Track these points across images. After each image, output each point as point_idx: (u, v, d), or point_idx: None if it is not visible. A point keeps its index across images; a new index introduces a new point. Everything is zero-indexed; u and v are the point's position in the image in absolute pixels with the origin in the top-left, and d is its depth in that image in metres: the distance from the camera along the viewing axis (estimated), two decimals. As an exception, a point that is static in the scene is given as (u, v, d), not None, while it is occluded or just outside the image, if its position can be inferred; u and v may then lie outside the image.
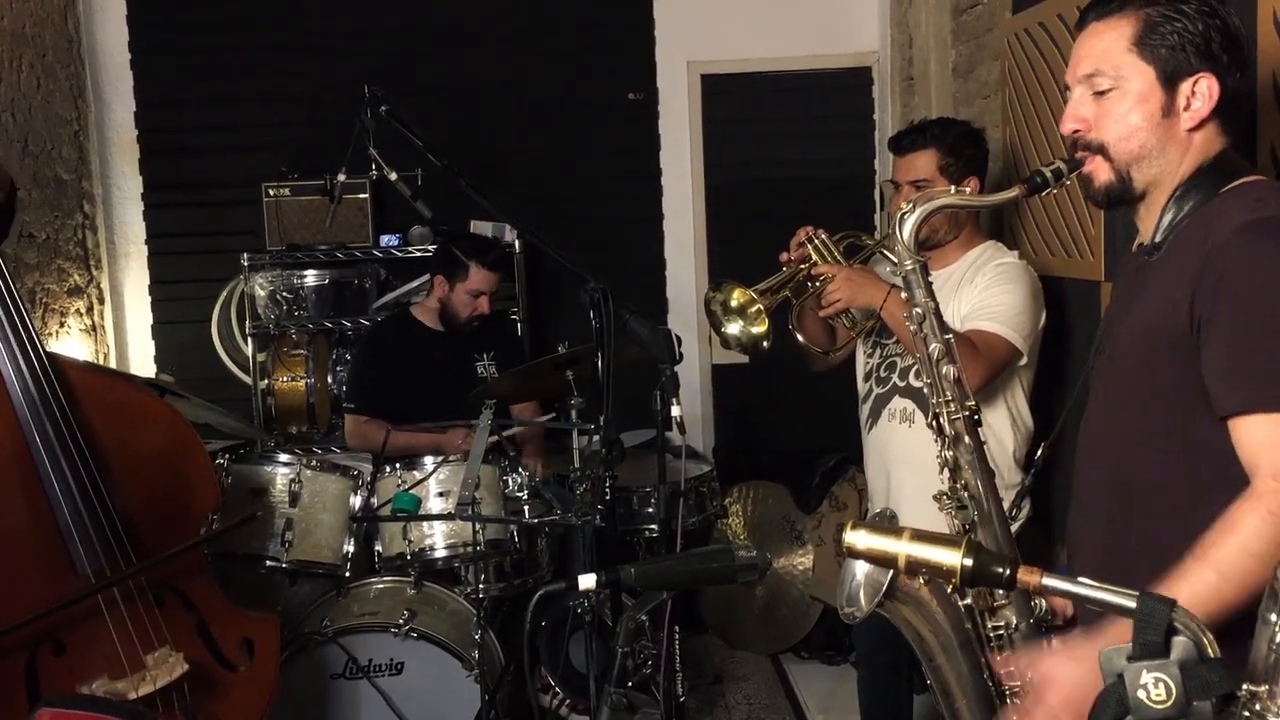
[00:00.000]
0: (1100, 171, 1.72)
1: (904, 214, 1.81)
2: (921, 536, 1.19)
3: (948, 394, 1.76)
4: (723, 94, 4.89)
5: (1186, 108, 1.67)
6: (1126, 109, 1.68)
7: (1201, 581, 1.50)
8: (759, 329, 2.82)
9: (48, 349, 2.40)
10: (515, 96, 4.79)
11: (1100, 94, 1.70)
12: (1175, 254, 1.67)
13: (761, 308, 2.80)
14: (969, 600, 1.67)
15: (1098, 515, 1.77)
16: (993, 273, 2.79)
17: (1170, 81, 1.67)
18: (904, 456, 2.85)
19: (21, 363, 2.32)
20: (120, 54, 4.70)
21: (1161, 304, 1.65)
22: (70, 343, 4.39)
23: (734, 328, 2.84)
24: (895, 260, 1.84)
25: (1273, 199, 1.62)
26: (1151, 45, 1.66)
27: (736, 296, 2.83)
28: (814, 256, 2.84)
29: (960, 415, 1.76)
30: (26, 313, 2.37)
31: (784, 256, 2.90)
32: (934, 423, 1.78)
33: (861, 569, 1.63)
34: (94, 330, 4.61)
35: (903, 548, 1.19)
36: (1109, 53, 1.69)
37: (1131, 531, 1.71)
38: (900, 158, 2.92)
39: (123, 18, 4.69)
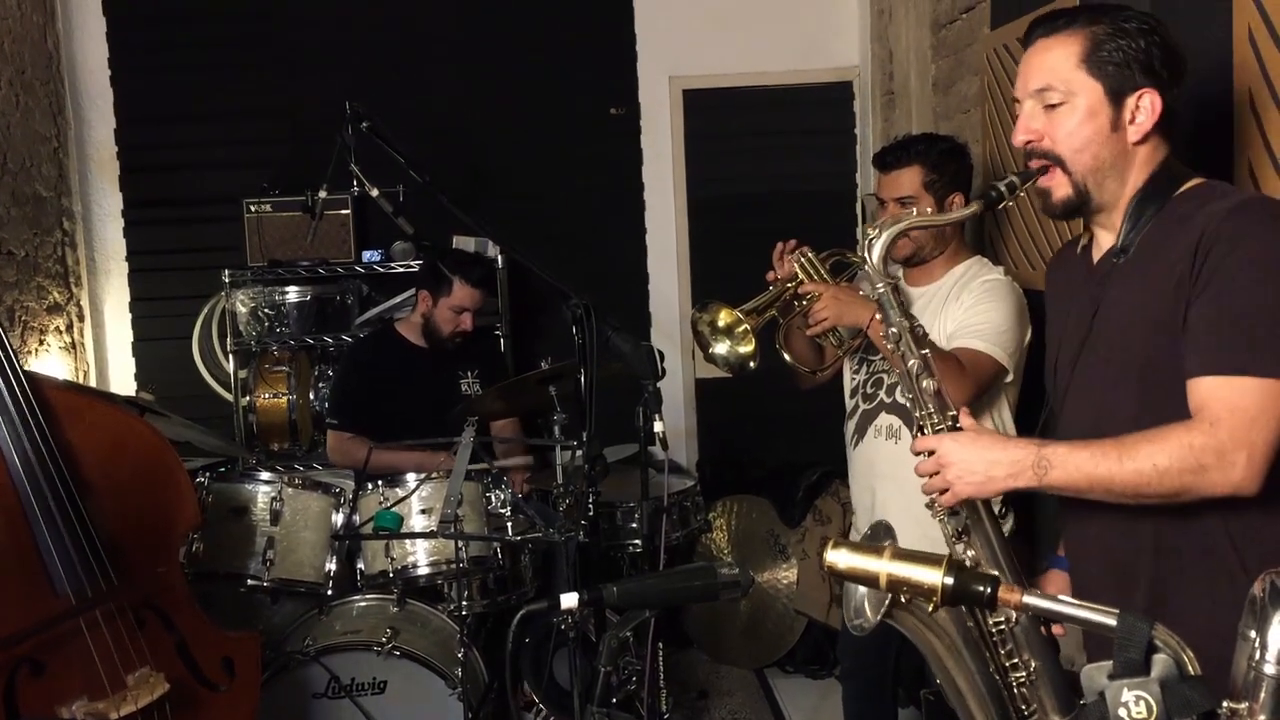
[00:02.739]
0: (1059, 186, 1.81)
1: (871, 239, 1.88)
2: (902, 555, 1.19)
3: (929, 406, 1.83)
4: (704, 109, 4.90)
5: (1132, 121, 1.76)
6: (1077, 122, 1.77)
7: (1104, 457, 1.65)
8: (746, 349, 2.82)
9: (27, 367, 2.39)
10: (497, 112, 4.79)
11: (1050, 107, 1.78)
12: (1149, 250, 1.76)
13: (748, 327, 2.80)
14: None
15: (1098, 511, 1.78)
16: (978, 290, 2.79)
17: (1117, 97, 1.76)
18: (890, 472, 2.85)
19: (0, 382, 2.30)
20: (100, 70, 4.69)
21: (1149, 294, 1.73)
22: (50, 360, 4.36)
23: (721, 347, 2.84)
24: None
25: (1237, 191, 1.77)
26: (1099, 62, 1.75)
27: (723, 317, 2.83)
28: (800, 275, 2.85)
29: (943, 426, 1.82)
30: (5, 331, 2.36)
31: (770, 275, 2.90)
32: (918, 433, 1.85)
33: None
34: (74, 348, 4.58)
35: (884, 566, 1.19)
36: (1058, 68, 1.77)
37: (1135, 525, 1.75)
38: (885, 175, 2.91)
39: (102, 34, 4.68)
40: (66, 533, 2.33)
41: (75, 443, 2.40)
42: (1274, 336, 1.60)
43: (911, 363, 1.84)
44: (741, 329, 2.80)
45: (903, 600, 1.59)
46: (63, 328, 4.51)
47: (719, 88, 4.89)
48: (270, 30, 4.75)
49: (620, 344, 2.80)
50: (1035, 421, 3.04)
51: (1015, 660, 1.72)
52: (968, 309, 2.77)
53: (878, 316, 1.90)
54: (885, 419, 2.87)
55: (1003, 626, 1.73)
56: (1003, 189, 1.82)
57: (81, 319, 4.65)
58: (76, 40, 4.66)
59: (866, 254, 1.88)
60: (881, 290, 1.86)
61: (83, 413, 2.48)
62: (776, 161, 4.94)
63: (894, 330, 1.86)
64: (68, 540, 2.33)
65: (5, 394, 2.30)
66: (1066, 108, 1.77)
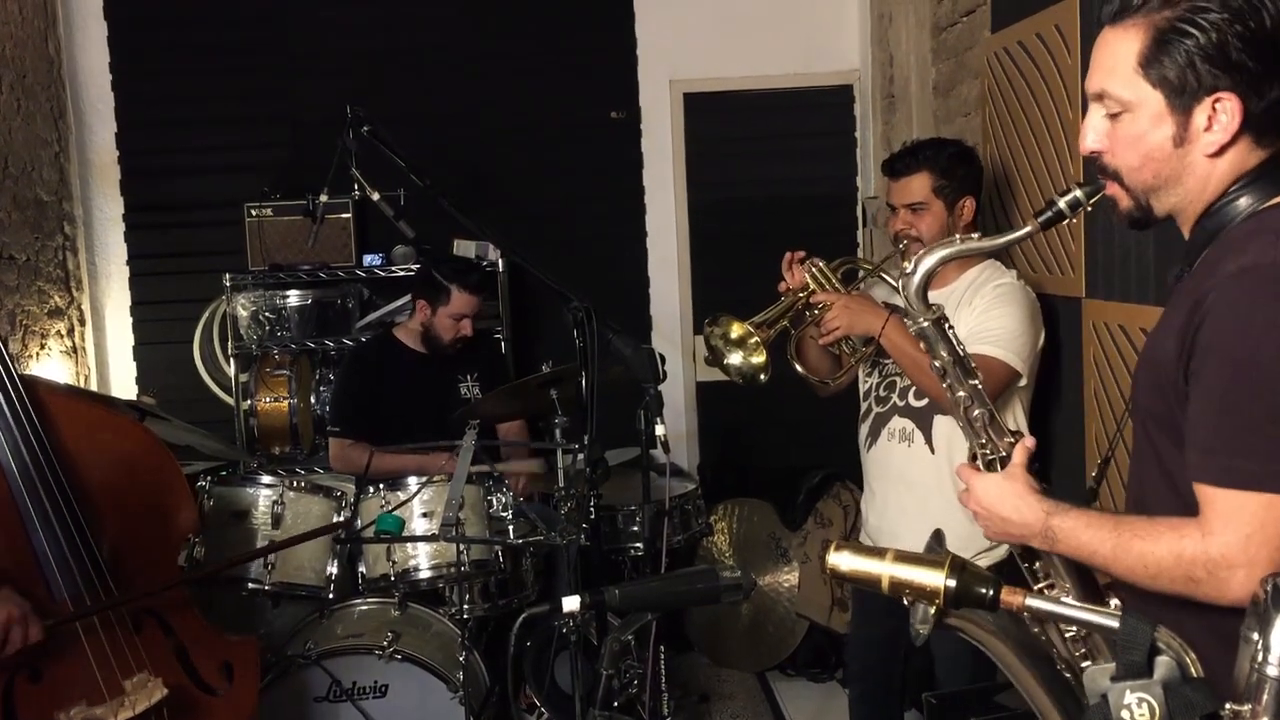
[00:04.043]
0: (1121, 199, 1.62)
1: (909, 272, 1.73)
2: (904, 557, 1.19)
3: (983, 436, 1.73)
4: (705, 112, 4.90)
5: (1208, 128, 1.51)
6: (1136, 136, 1.55)
7: (1101, 544, 1.53)
8: (758, 359, 2.82)
9: (25, 372, 2.39)
10: (498, 116, 4.80)
11: (1112, 116, 1.58)
12: (1190, 284, 1.56)
13: (760, 340, 2.80)
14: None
15: None
16: (991, 294, 2.78)
17: (1183, 106, 1.51)
18: (902, 475, 2.86)
19: (-1, 386, 2.30)
20: (101, 75, 4.69)
21: (1162, 340, 1.58)
22: (51, 364, 4.36)
23: (735, 359, 2.84)
24: (894, 284, 1.81)
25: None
26: (1159, 66, 1.51)
27: (735, 329, 2.83)
28: (812, 285, 2.84)
29: (995, 457, 1.72)
30: (4, 336, 2.36)
31: (782, 285, 2.88)
32: (972, 459, 1.77)
33: None
34: (75, 352, 4.58)
35: (886, 569, 1.18)
36: (1116, 71, 1.55)
37: None
38: (895, 181, 2.91)
39: (104, 39, 4.68)
40: (63, 538, 2.33)
41: (72, 448, 2.40)
42: (1273, 443, 1.42)
43: (961, 394, 1.74)
44: (753, 341, 2.81)
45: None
46: (64, 332, 4.51)
47: (720, 91, 4.89)
48: (271, 34, 4.75)
49: (621, 347, 2.80)
50: (1044, 422, 3.07)
51: (1083, 650, 1.63)
52: (980, 314, 2.76)
53: (906, 323, 1.79)
54: (898, 422, 2.88)
55: (1072, 631, 1.64)
56: (1064, 207, 1.63)
57: (83, 323, 4.65)
58: (78, 45, 4.66)
59: (905, 286, 1.75)
60: (925, 324, 1.74)
61: (79, 417, 2.48)
62: (777, 165, 4.94)
63: (939, 365, 1.75)
64: (64, 545, 2.33)
65: (3, 400, 2.30)
66: (1127, 118, 1.55)
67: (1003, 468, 1.70)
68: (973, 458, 1.76)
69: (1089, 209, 1.65)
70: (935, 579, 1.16)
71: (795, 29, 4.86)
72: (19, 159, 4.23)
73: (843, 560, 1.21)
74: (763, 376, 2.83)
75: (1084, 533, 1.56)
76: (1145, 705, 1.05)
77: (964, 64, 3.78)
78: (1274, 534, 1.41)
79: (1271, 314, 1.42)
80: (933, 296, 2.81)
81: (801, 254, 2.89)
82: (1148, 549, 1.49)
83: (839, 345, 2.91)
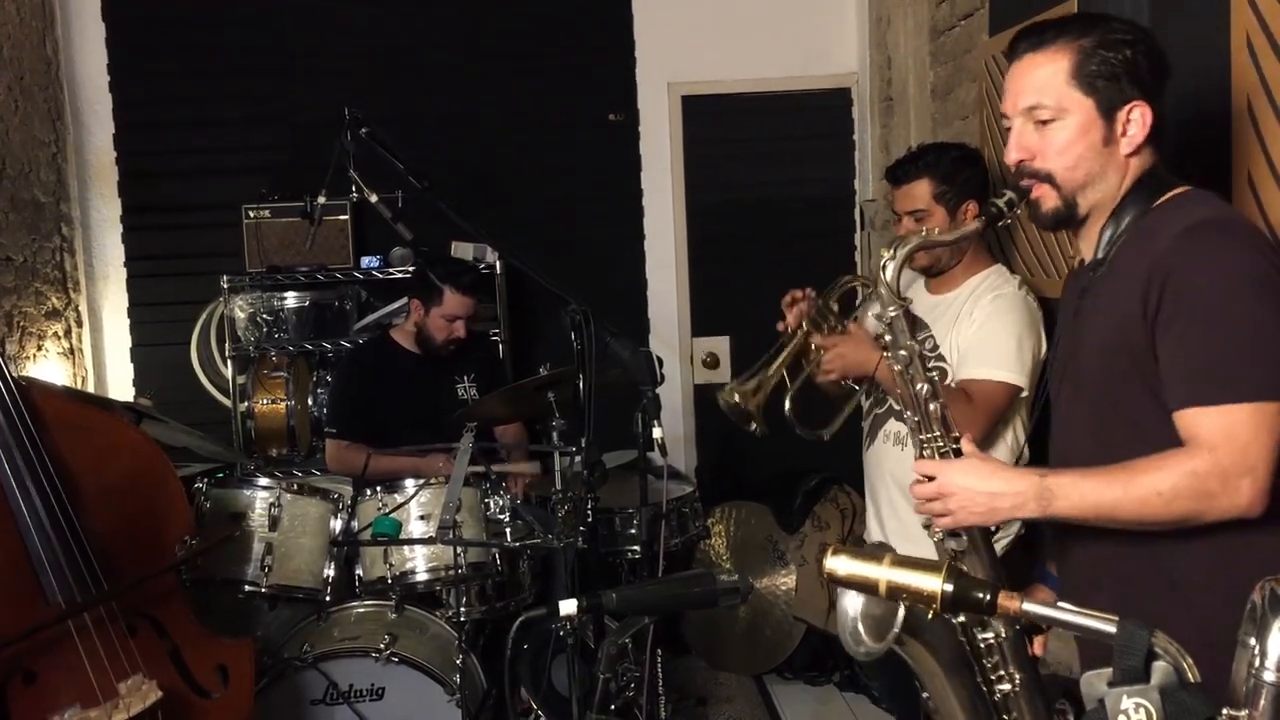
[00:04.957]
0: (1047, 198, 1.81)
1: (885, 260, 1.87)
2: (902, 562, 1.19)
3: (935, 429, 1.83)
4: (703, 115, 4.91)
5: (1124, 134, 1.76)
6: (1070, 140, 1.77)
7: (1108, 486, 1.66)
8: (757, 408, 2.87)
9: (20, 374, 2.39)
10: (496, 118, 4.80)
11: (1042, 123, 1.78)
12: (1120, 267, 1.77)
13: (760, 400, 2.84)
14: (962, 618, 1.74)
15: (1081, 530, 1.80)
16: (989, 306, 2.78)
17: (1109, 112, 1.76)
18: (896, 478, 2.88)
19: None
20: (99, 77, 4.69)
21: (1115, 317, 1.74)
22: (48, 366, 4.36)
23: (755, 422, 2.88)
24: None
25: (1205, 204, 1.75)
26: (1089, 78, 1.75)
27: (736, 398, 2.86)
28: (808, 327, 2.85)
29: (948, 448, 1.83)
30: (1, 338, 2.35)
31: (781, 325, 2.90)
32: (920, 454, 1.85)
33: (854, 605, 1.63)
34: (72, 353, 4.57)
35: (883, 573, 1.18)
36: (1048, 85, 1.77)
37: (1113, 543, 1.75)
38: (897, 189, 2.92)
39: (101, 40, 4.67)
40: (57, 540, 2.32)
41: (65, 449, 2.40)
42: (1251, 359, 1.61)
43: (920, 386, 1.84)
44: (757, 400, 2.84)
45: (908, 626, 1.60)
46: (61, 333, 4.51)
47: (718, 94, 4.89)
48: (269, 36, 4.75)
49: (619, 350, 2.81)
50: (1044, 429, 3.07)
51: (1001, 673, 1.74)
52: (978, 328, 2.76)
53: (885, 352, 1.91)
54: (894, 425, 2.90)
55: (991, 642, 1.75)
56: (1002, 205, 1.82)
57: (80, 324, 4.65)
58: (75, 46, 4.66)
59: (881, 274, 1.88)
60: (894, 314, 1.87)
61: (72, 419, 2.48)
62: (775, 168, 4.95)
63: (903, 353, 1.86)
64: (58, 548, 2.32)
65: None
66: (1058, 125, 1.77)
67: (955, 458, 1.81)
68: (919, 452, 1.85)
69: (1020, 209, 1.84)
70: (932, 583, 1.16)
71: (793, 32, 4.87)
72: (16, 160, 4.22)
73: (840, 564, 1.21)
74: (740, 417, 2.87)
75: (1085, 482, 1.67)
76: (1142, 710, 1.05)
77: (962, 67, 3.78)
78: (1267, 440, 1.60)
79: (1226, 253, 1.65)
80: (933, 301, 2.84)
81: (799, 294, 2.90)
82: (1158, 478, 1.62)
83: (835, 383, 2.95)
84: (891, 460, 2.89)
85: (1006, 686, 1.73)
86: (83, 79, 4.68)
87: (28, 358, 4.22)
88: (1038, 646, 1.91)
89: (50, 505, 2.32)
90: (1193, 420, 1.63)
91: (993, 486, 1.72)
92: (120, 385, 4.77)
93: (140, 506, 2.56)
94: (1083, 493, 1.66)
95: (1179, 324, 1.65)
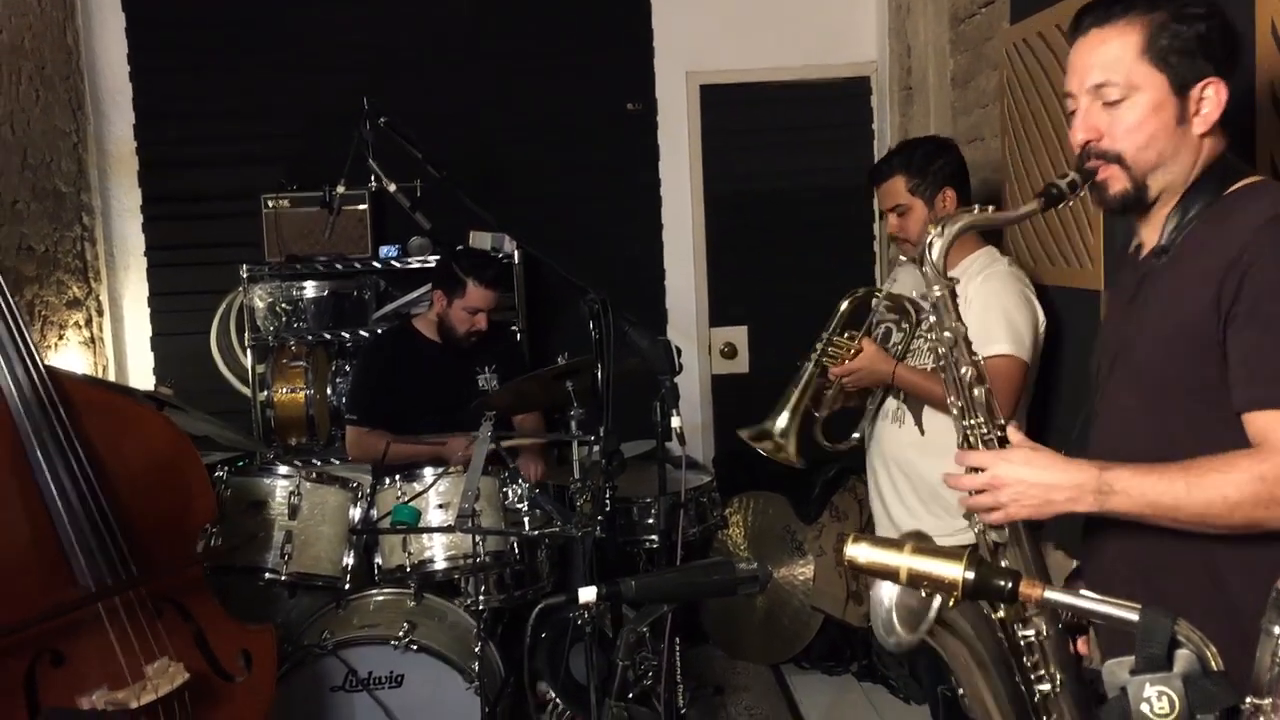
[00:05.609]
0: (1115, 180, 1.73)
1: (932, 238, 1.78)
2: (923, 550, 1.19)
3: (979, 415, 1.74)
4: (721, 104, 4.89)
5: (1197, 113, 1.68)
6: (1141, 118, 1.68)
7: (1170, 485, 1.57)
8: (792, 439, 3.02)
9: (46, 362, 2.40)
10: (514, 107, 4.80)
11: (1111, 104, 1.70)
12: (1189, 255, 1.68)
13: (794, 434, 2.99)
14: (1001, 613, 1.68)
15: (1119, 525, 1.74)
16: (980, 288, 2.83)
17: (1182, 89, 1.67)
18: (894, 454, 3.00)
19: (21, 377, 2.32)
20: (119, 66, 4.70)
21: (1182, 307, 1.66)
22: (69, 355, 4.38)
23: (788, 454, 3.02)
24: (927, 278, 1.81)
25: None
26: (1161, 53, 1.66)
27: (771, 448, 3.02)
28: (820, 365, 2.95)
29: (992, 436, 1.74)
30: (25, 326, 2.37)
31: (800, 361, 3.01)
32: (964, 444, 1.77)
33: (889, 594, 1.58)
34: (93, 342, 4.60)
35: (904, 561, 1.18)
36: (1118, 62, 1.69)
37: (1157, 540, 1.68)
38: (877, 188, 3.05)
39: (122, 30, 4.69)
40: (87, 523, 2.35)
41: (94, 436, 2.43)
42: None
43: (964, 370, 1.75)
44: (793, 442, 3.00)
45: (942, 619, 1.56)
46: (82, 322, 4.53)
47: (736, 83, 4.88)
48: (288, 27, 4.75)
49: (637, 339, 2.81)
50: (1044, 414, 3.06)
51: (1042, 672, 1.68)
52: (976, 315, 2.76)
53: (925, 326, 1.87)
54: (891, 402, 3.00)
55: (1031, 640, 1.69)
56: (1064, 187, 1.73)
57: (101, 314, 4.67)
58: (96, 36, 4.67)
59: (928, 253, 1.78)
60: (939, 294, 1.78)
61: (101, 406, 2.51)
62: (793, 157, 4.93)
63: (948, 334, 1.77)
64: (88, 531, 2.35)
65: (27, 388, 2.32)
66: (1128, 103, 1.68)
67: (1001, 447, 1.72)
68: (965, 442, 1.76)
69: (1083, 192, 1.74)
70: (954, 571, 1.16)
71: (812, 20, 4.85)
72: (38, 150, 4.24)
73: (860, 552, 1.21)
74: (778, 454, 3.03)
75: (1146, 479, 1.59)
76: (1165, 698, 1.05)
77: (982, 55, 3.76)
78: None
79: None
80: (921, 282, 2.84)
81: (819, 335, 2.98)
82: (1224, 480, 1.54)
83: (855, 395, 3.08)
84: (890, 436, 3.01)
85: (1046, 687, 1.67)
86: (103, 69, 4.69)
87: (49, 347, 4.25)
88: (1081, 646, 1.80)
89: (80, 488, 2.35)
90: (1266, 423, 1.56)
91: (1049, 478, 1.63)
92: (141, 374, 4.79)
93: (166, 492, 2.59)
94: (1143, 490, 1.59)
95: (1256, 322, 1.57)
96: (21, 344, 2.34)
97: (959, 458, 1.75)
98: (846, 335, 2.94)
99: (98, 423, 2.45)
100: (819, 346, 2.95)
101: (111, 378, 4.64)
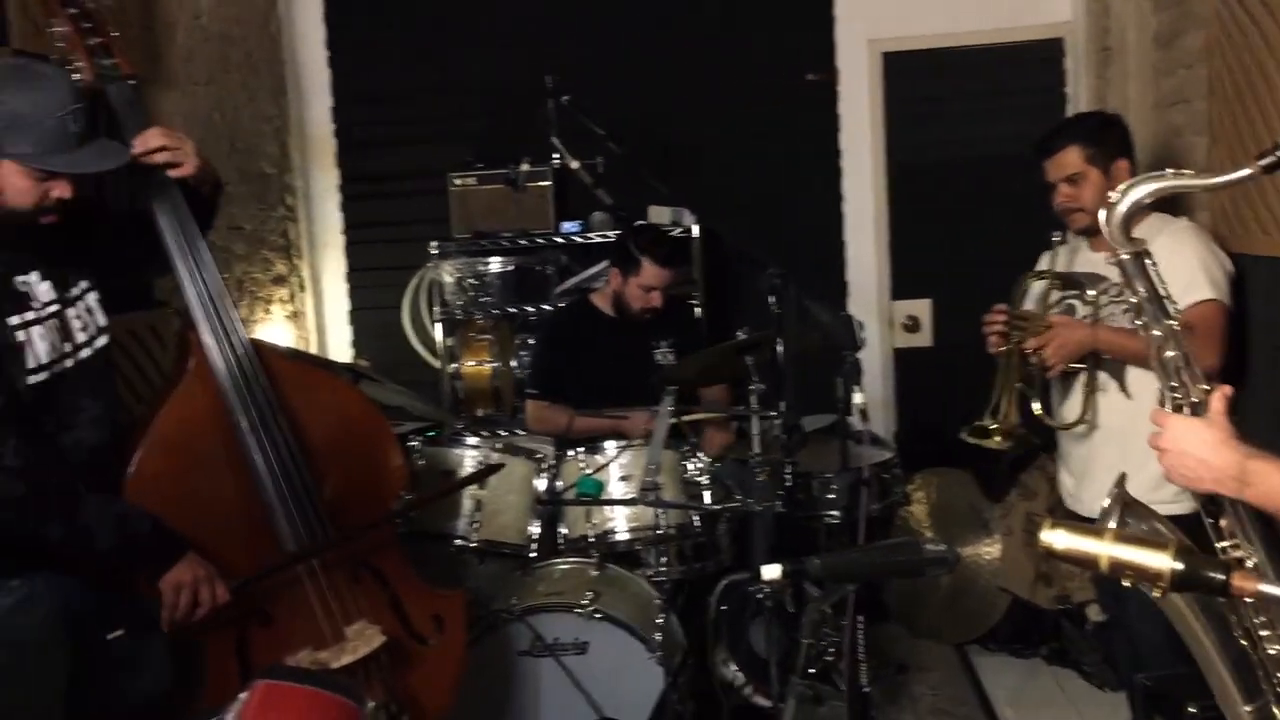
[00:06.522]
0: None
1: (1114, 202, 1.72)
2: (1126, 538, 1.14)
3: (1175, 380, 1.70)
4: (905, 72, 4.77)
5: None
6: None
7: None
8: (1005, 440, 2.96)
9: (252, 336, 2.54)
10: (693, 81, 4.78)
11: None
12: None
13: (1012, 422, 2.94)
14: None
15: None
16: (1168, 245, 2.73)
17: None
18: (1100, 425, 2.94)
19: (229, 350, 2.45)
20: (318, 51, 4.89)
21: None
22: (274, 329, 4.63)
23: (1009, 442, 2.96)
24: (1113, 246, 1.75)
25: None
26: None
27: (996, 442, 2.94)
28: (1016, 336, 2.91)
29: (1186, 401, 1.69)
30: (233, 301, 2.51)
31: (991, 350, 2.97)
32: (1162, 403, 1.73)
33: None
34: (296, 316, 4.84)
35: (1106, 549, 1.14)
36: None
37: None
38: (1048, 159, 2.99)
39: (320, 15, 4.88)
40: (289, 490, 2.47)
41: (296, 406, 2.54)
42: None
43: (1156, 333, 1.70)
44: (1015, 427, 2.93)
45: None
46: (286, 298, 4.77)
47: (920, 49, 4.74)
48: (473, 6, 4.86)
49: (820, 314, 2.79)
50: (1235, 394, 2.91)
51: (1268, 633, 1.60)
52: (1161, 267, 2.65)
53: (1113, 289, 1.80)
54: (1100, 374, 2.91)
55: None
56: None
57: (303, 289, 4.91)
58: (297, 22, 4.88)
59: (1106, 218, 1.73)
60: (1126, 258, 1.72)
61: (302, 379, 2.62)
62: (980, 125, 4.77)
63: (1143, 292, 1.72)
64: (290, 497, 2.47)
65: (234, 361, 2.45)
66: None
67: (1193, 413, 1.68)
68: (1163, 401, 1.72)
69: None
70: (1161, 561, 1.11)
71: (1000, -20, 4.67)
72: (245, 135, 4.48)
73: (1058, 539, 1.17)
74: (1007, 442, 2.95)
75: (1277, 475, 1.54)
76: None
77: (1188, 12, 3.54)
78: None
79: None
80: (1101, 258, 2.73)
81: (993, 316, 2.96)
82: None
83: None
84: (1104, 407, 2.93)
85: (1277, 647, 1.59)
86: (303, 54, 4.89)
87: (256, 321, 4.50)
88: None
89: (284, 457, 2.47)
90: None
91: (1201, 455, 1.61)
92: (340, 347, 5.02)
93: (361, 461, 2.69)
94: (1273, 484, 1.54)
95: None
96: (229, 320, 2.46)
97: (1150, 415, 1.72)
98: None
99: (300, 395, 2.56)
100: (1009, 332, 2.92)
101: (314, 351, 4.88)
